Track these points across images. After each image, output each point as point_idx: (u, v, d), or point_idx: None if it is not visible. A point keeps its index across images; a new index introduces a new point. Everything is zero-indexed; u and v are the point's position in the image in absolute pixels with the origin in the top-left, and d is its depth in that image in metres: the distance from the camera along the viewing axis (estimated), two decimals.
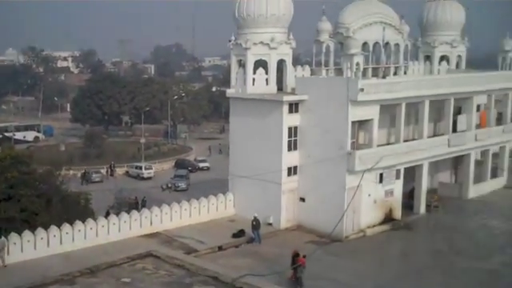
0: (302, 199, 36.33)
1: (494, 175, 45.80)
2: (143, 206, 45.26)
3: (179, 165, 73.91)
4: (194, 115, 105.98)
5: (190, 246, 32.61)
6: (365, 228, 35.37)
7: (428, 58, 47.48)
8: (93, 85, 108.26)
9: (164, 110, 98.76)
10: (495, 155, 46.15)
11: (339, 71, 38.88)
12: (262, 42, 36.04)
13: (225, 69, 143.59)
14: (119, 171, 71.87)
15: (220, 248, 32.77)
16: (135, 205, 46.98)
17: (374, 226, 35.86)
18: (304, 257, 27.58)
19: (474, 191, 43.23)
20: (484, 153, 45.05)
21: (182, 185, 60.17)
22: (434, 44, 46.95)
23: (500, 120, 46.44)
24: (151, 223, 35.02)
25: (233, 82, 37.80)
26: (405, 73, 43.46)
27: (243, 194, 37.77)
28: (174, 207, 36.21)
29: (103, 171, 70.23)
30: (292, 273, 27.58)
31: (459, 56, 48.24)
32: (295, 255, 27.84)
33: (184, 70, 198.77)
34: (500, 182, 46.14)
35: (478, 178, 44.12)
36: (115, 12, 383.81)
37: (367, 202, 35.43)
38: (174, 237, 34.06)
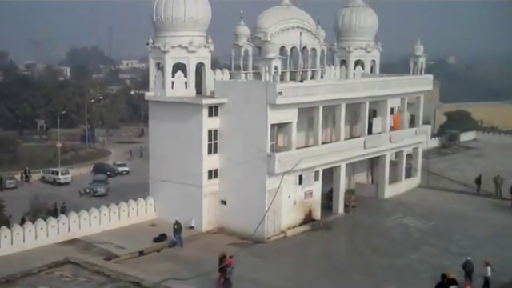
0: (224, 202, 36.47)
1: (409, 175, 47.51)
2: (63, 212, 44.03)
3: (98, 169, 72.32)
4: (112, 119, 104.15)
5: (109, 252, 32.08)
6: (285, 229, 35.90)
7: (344, 62, 48.74)
8: (5, 88, 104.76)
9: (81, 114, 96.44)
10: (409, 156, 47.88)
11: (258, 75, 39.32)
12: (180, 46, 35.97)
13: (143, 72, 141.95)
14: (35, 177, 69.54)
15: (141, 253, 32.43)
16: (54, 211, 45.65)
17: (294, 226, 36.46)
18: (231, 257, 27.72)
19: (390, 191, 44.70)
20: (398, 154, 46.62)
21: (101, 190, 58.94)
22: (349, 49, 48.24)
23: (413, 122, 48.27)
24: (69, 229, 34.22)
25: (151, 85, 37.52)
26: (321, 77, 44.49)
27: (164, 198, 37.52)
28: (93, 213, 35.52)
29: (17, 177, 67.82)
30: (220, 275, 27.62)
31: (373, 60, 49.79)
32: (222, 257, 27.94)
33: (101, 73, 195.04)
34: (414, 181, 47.92)
35: (394, 179, 45.64)
36: (28, 12, 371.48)
37: (287, 203, 35.99)
38: (93, 243, 33.41)
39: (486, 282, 27.26)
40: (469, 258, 28.11)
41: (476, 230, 37.01)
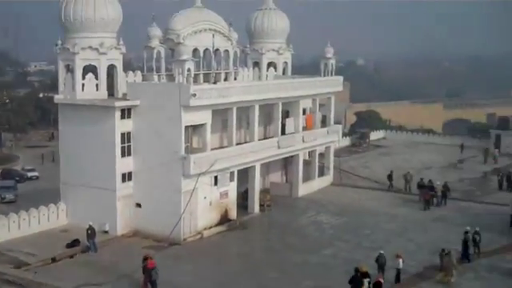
0: (138, 205, 36.04)
1: (321, 174, 48.63)
2: None
3: (5, 175, 69.47)
4: (19, 122, 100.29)
5: (19, 260, 30.96)
6: (202, 230, 35.91)
7: (256, 64, 49.33)
8: None
9: None
10: (321, 155, 49.01)
11: (171, 77, 39.14)
12: (90, 47, 35.29)
13: (52, 74, 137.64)
14: None
15: (53, 260, 31.47)
16: None
17: (210, 227, 36.53)
18: (151, 259, 27.45)
19: (304, 189, 45.60)
20: (311, 153, 47.61)
21: (10, 196, 56.57)
22: (261, 51, 48.87)
23: (324, 122, 49.46)
24: None
25: (61, 87, 36.56)
26: (235, 78, 44.83)
27: (77, 203, 36.61)
28: (1, 220, 34.22)
29: None
30: (144, 278, 27.25)
31: (285, 62, 50.70)
32: (145, 258, 27.63)
33: (7, 76, 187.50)
34: (327, 179, 49.11)
35: (307, 177, 46.58)
36: None
37: (203, 204, 36.02)
38: (2, 251, 32.16)
39: (398, 273, 28.35)
40: (381, 252, 29.10)
41: (386, 224, 38.37)
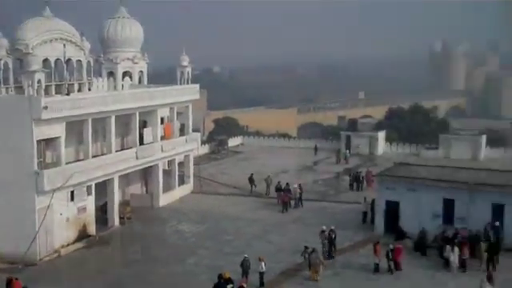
0: None
1: (182, 182, 48.60)
2: None
3: None
4: None
5: None
6: (59, 248, 34.47)
7: (112, 74, 48.38)
8: None
9: None
10: (181, 164, 48.99)
11: (20, 89, 37.21)
12: None
13: None
14: None
15: None
16: None
17: (68, 244, 35.17)
18: (17, 279, 26.01)
19: (165, 199, 45.33)
20: (171, 162, 47.42)
21: None
22: (116, 60, 48.00)
23: (183, 131, 49.52)
24: None
25: None
26: (89, 89, 43.60)
27: None
28: None
29: None
30: None
31: (141, 71, 50.18)
32: (9, 282, 26.09)
33: None
34: (187, 188, 49.17)
35: (167, 187, 46.35)
36: None
37: (59, 221, 34.61)
38: None
39: (261, 276, 28.98)
40: (246, 256, 29.64)
41: (247, 228, 39.10)
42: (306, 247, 31.16)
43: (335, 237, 33.26)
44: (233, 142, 74.16)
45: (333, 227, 33.83)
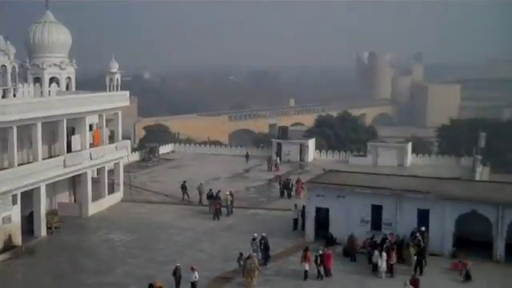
0: None
1: (112, 191, 47.74)
2: None
3: None
4: None
5: None
6: None
7: (38, 79, 47.07)
8: None
9: None
10: (111, 171, 48.18)
11: None
12: None
13: None
14: None
15: None
16: None
17: None
18: None
19: (94, 208, 44.40)
20: (100, 170, 46.56)
21: None
22: (42, 66, 46.80)
23: (112, 138, 48.74)
24: None
25: None
26: (14, 95, 42.19)
27: None
28: None
29: None
30: None
31: (69, 77, 49.08)
32: None
33: None
34: (117, 196, 48.33)
35: (97, 195, 45.42)
36: None
37: None
38: None
39: (193, 285, 28.80)
40: (178, 264, 29.43)
41: (179, 237, 38.80)
42: (242, 254, 31.22)
43: (267, 244, 33.43)
44: (164, 149, 73.49)
45: (264, 234, 34.04)
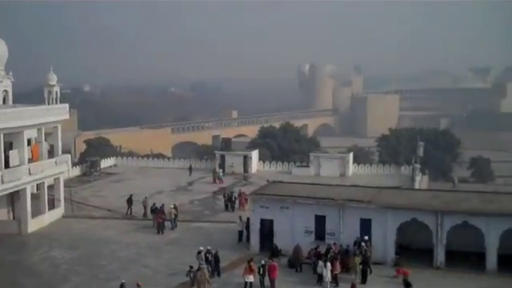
0: None
1: (52, 206, 46.64)
2: None
3: None
4: None
5: None
6: None
7: None
8: None
9: None
10: (51, 187, 47.09)
11: None
12: None
13: None
14: None
15: None
16: None
17: None
18: None
19: (34, 225, 43.30)
20: (40, 185, 45.45)
21: None
22: None
23: (52, 152, 47.68)
24: None
25: None
26: None
27: None
28: None
29: None
30: None
31: (5, 91, 47.84)
32: None
33: None
34: (58, 212, 47.24)
35: (37, 212, 44.31)
36: None
37: None
38: None
39: None
40: (123, 281, 29.07)
41: (122, 252, 38.22)
42: (192, 266, 31.04)
43: (212, 256, 33.32)
44: (106, 163, 72.37)
45: (209, 247, 33.91)
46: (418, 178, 58.53)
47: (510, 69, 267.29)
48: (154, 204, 45.43)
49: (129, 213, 47.88)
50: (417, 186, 55.16)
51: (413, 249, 35.08)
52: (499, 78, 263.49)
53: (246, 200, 46.03)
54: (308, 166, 66.70)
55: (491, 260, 32.82)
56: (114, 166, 73.68)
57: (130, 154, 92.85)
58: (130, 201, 48.21)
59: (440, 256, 33.62)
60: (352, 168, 66.39)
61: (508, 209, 33.54)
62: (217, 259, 33.24)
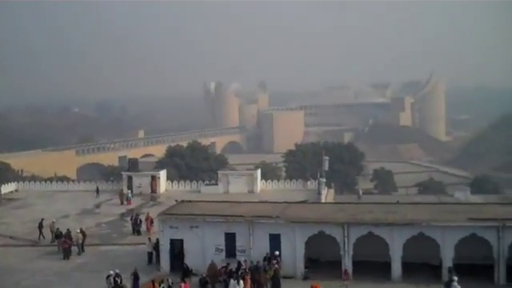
0: None
1: None
2: None
3: None
4: None
5: None
6: None
7: None
8: None
9: None
10: None
11: None
12: None
13: None
14: None
15: None
16: None
17: None
18: None
19: None
20: None
21: None
22: None
23: None
24: None
25: None
26: None
27: None
28: None
29: None
30: None
31: None
32: None
33: None
34: None
35: None
36: None
37: None
38: None
39: None
40: None
41: (28, 281, 36.79)
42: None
43: (121, 281, 32.76)
44: (6, 188, 69.32)
45: (117, 271, 33.31)
46: (324, 191, 59.97)
47: (407, 84, 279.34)
48: (58, 229, 44.04)
49: (41, 238, 46.15)
50: (323, 200, 56.48)
51: (322, 261, 35.92)
52: (396, 93, 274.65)
53: (152, 223, 45.67)
54: (217, 184, 66.79)
55: (396, 268, 34.13)
56: (16, 191, 70.76)
57: (33, 178, 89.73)
58: (41, 225, 46.53)
59: (348, 267, 34.58)
60: (260, 184, 67.10)
61: (410, 218, 35.03)
62: (136, 276, 33.02)
